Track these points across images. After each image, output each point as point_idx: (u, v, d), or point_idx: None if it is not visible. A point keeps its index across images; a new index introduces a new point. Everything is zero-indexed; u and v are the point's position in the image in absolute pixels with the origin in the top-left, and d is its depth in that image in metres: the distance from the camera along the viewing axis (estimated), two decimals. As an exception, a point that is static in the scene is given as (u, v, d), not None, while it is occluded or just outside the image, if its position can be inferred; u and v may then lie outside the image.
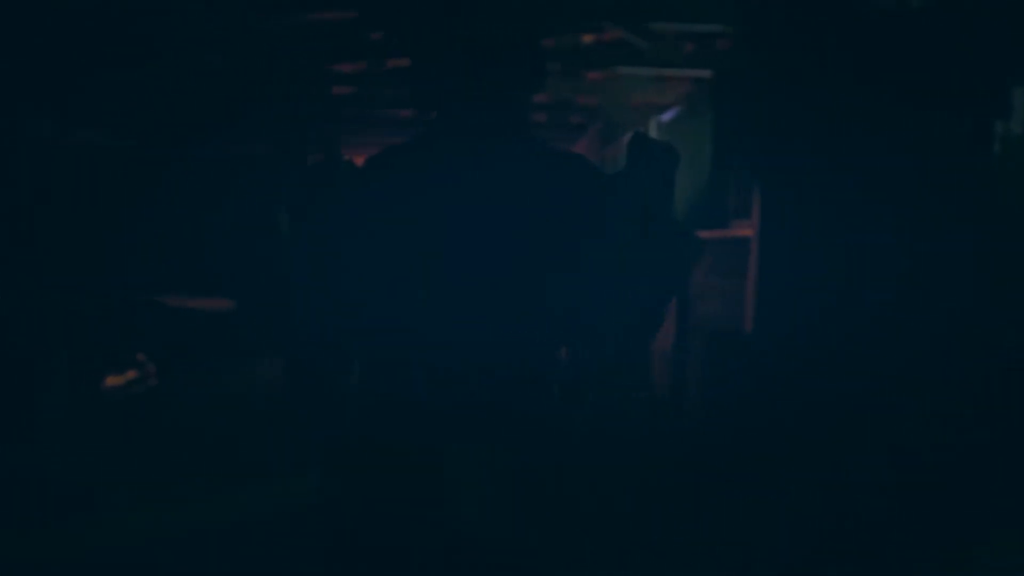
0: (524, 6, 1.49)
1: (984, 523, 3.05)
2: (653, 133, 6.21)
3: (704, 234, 4.52)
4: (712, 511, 3.35)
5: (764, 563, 3.04)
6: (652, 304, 1.51)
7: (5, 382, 4.42)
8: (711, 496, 3.40)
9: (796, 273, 3.56)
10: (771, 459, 3.43)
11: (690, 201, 4.18)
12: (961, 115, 3.23)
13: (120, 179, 10.02)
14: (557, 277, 1.47)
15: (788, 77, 3.59)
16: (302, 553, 3.00)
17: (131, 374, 5.32)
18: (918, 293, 3.31)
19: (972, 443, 3.23)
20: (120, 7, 5.38)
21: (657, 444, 3.89)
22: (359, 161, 1.54)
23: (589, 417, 1.57)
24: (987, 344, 3.29)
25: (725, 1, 4.76)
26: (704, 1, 5.03)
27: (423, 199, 1.46)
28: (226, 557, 3.14)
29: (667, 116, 5.91)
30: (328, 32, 5.58)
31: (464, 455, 1.43)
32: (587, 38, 6.33)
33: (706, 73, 6.23)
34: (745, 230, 4.25)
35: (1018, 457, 3.14)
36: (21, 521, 3.37)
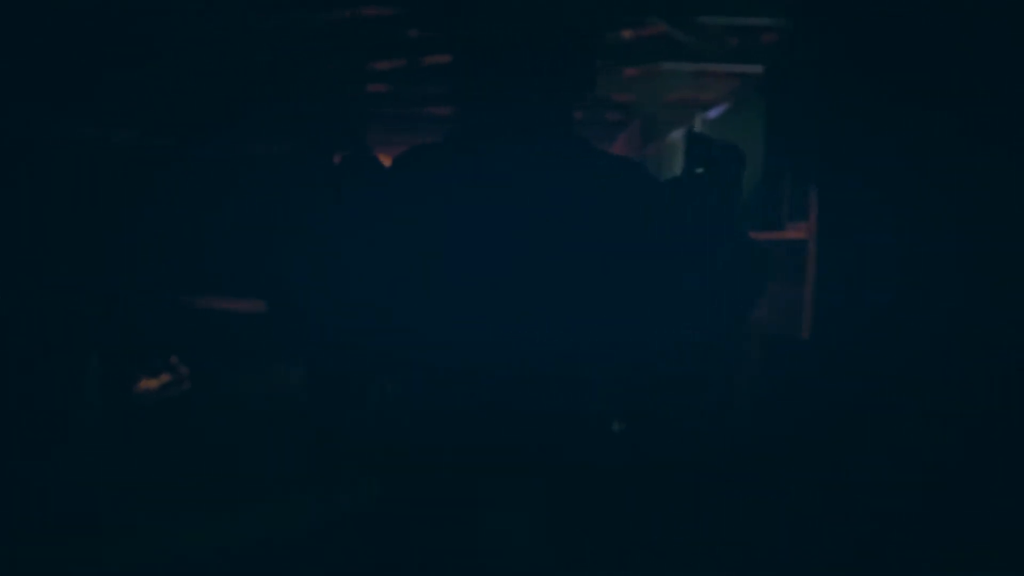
0: (572, 4, 1.38)
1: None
2: (697, 130, 6.05)
3: (756, 235, 4.37)
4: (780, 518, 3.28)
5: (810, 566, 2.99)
6: (716, 324, 1.40)
7: (34, 386, 4.38)
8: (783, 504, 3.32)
9: (858, 278, 3.42)
10: (837, 470, 3.31)
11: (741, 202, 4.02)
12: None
13: (148, 179, 10.02)
14: (608, 291, 1.38)
15: (850, 70, 3.44)
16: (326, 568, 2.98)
17: (164, 377, 5.26)
18: (996, 301, 3.15)
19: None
20: (150, 1, 5.34)
21: (715, 450, 3.79)
22: (387, 159, 1.48)
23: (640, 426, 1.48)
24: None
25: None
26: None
27: (457, 199, 1.38)
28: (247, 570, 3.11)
29: (713, 113, 5.75)
30: (365, 29, 5.49)
31: (499, 469, 1.37)
32: (626, 33, 6.20)
33: (752, 68, 6.08)
34: (799, 233, 4.10)
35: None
36: (43, 528, 3.32)
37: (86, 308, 4.84)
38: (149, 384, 5.12)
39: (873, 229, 3.40)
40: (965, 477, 3.07)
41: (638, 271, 1.37)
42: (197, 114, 9.72)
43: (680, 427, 3.65)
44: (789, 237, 4.21)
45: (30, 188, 7.32)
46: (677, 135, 7.10)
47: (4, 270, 4.77)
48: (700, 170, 1.37)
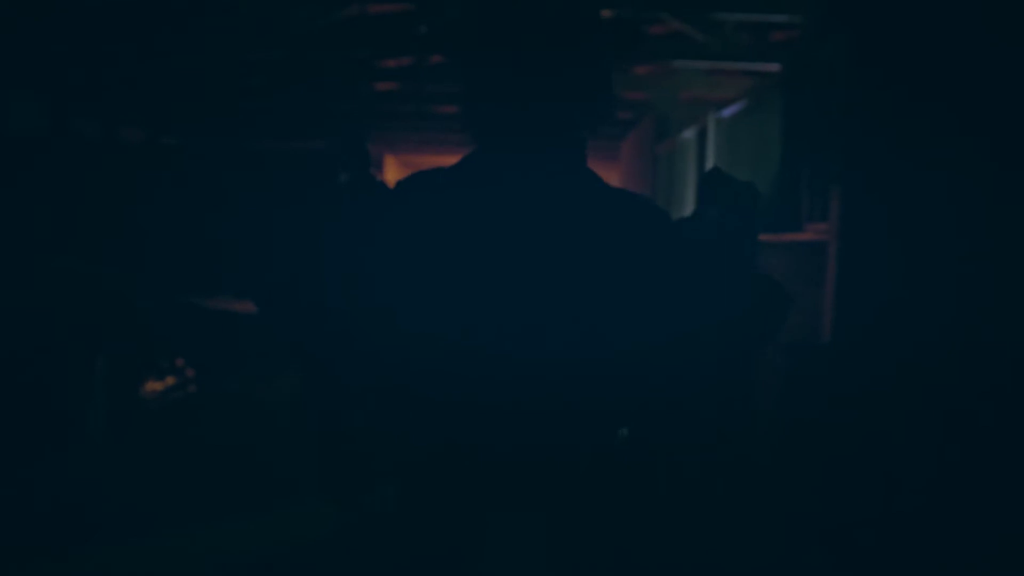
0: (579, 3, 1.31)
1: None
2: (711, 129, 5.96)
3: (772, 237, 4.30)
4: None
5: None
6: (727, 369, 1.35)
7: (40, 388, 4.34)
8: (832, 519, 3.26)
9: (881, 279, 3.35)
10: (859, 479, 3.25)
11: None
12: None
13: (154, 179, 10.01)
14: (614, 323, 1.32)
15: (868, 68, 3.36)
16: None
17: (170, 380, 5.20)
18: (1015, 301, 3.07)
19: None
20: (161, 2, 5.30)
21: (726, 451, 3.73)
22: (391, 180, 1.38)
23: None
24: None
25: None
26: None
27: (456, 227, 1.32)
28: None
29: (728, 112, 5.66)
30: (374, 27, 5.43)
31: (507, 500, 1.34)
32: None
33: (766, 66, 6.00)
34: (818, 233, 4.02)
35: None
36: (45, 530, 3.29)
37: (91, 310, 4.78)
38: (154, 387, 5.05)
39: (892, 230, 3.34)
40: (970, 476, 3.04)
41: (644, 305, 1.32)
42: (203, 113, 9.70)
43: (691, 432, 3.59)
44: (807, 238, 4.13)
45: (35, 189, 7.29)
46: (689, 134, 7.02)
47: (10, 271, 4.73)
48: (714, 210, 1.36)
